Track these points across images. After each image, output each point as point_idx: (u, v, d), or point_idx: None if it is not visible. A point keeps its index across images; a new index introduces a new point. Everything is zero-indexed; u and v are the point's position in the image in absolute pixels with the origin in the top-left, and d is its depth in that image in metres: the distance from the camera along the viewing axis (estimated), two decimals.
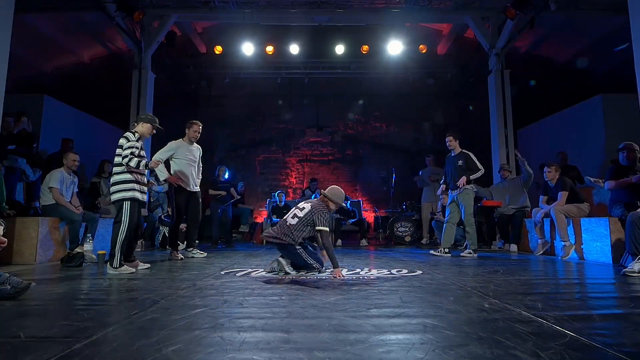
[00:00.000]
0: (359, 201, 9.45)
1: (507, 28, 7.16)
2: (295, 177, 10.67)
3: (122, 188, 3.43)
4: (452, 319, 1.72)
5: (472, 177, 4.90)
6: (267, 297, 2.27)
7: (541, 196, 5.17)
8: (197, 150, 4.83)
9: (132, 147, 3.44)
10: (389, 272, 3.28)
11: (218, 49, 9.00)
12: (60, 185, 4.55)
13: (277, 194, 8.35)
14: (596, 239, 4.26)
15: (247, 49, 8.60)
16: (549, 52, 9.35)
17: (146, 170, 3.60)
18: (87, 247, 4.25)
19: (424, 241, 7.73)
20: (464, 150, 5.06)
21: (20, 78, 7.57)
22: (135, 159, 3.41)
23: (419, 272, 3.31)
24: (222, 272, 3.28)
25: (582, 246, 4.48)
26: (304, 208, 3.29)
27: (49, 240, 4.42)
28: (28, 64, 8.13)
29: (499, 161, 7.21)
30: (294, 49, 8.83)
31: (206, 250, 5.20)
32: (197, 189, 4.78)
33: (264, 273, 3.24)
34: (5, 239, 2.25)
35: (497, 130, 7.44)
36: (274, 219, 7.81)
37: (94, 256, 4.19)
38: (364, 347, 1.35)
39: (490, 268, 3.61)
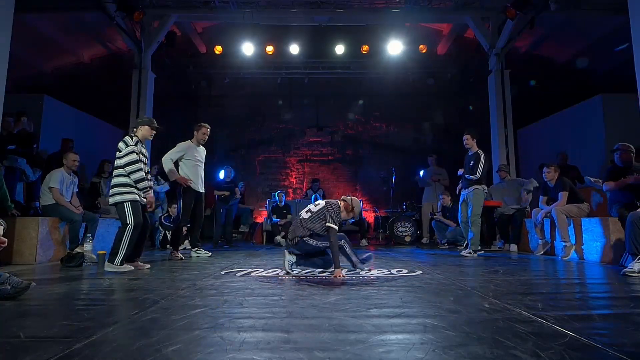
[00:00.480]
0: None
1: (507, 28, 7.17)
2: (295, 177, 10.66)
3: (122, 191, 3.47)
4: (452, 319, 1.72)
5: (467, 176, 4.94)
6: (267, 297, 2.27)
7: (541, 197, 5.17)
8: (203, 151, 4.90)
9: (131, 152, 3.48)
10: (389, 272, 3.28)
11: (218, 49, 8.99)
12: (60, 185, 4.55)
13: (277, 194, 8.33)
14: (596, 239, 4.26)
15: (247, 49, 8.60)
16: (549, 52, 9.34)
17: (149, 182, 3.66)
18: (87, 247, 4.24)
19: (424, 241, 7.73)
20: (478, 151, 4.97)
21: (20, 78, 7.58)
22: (141, 172, 3.50)
23: (419, 272, 3.31)
24: (222, 272, 3.28)
25: (582, 246, 4.48)
26: (319, 204, 3.36)
27: (49, 240, 4.41)
28: (28, 64, 8.13)
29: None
30: (294, 49, 8.83)
31: (208, 250, 5.20)
32: (203, 190, 4.83)
33: (264, 274, 3.24)
34: (5, 239, 2.25)
35: (497, 130, 7.45)
36: (274, 219, 7.81)
37: (94, 256, 4.18)
38: (364, 347, 1.35)
39: (490, 268, 3.61)
